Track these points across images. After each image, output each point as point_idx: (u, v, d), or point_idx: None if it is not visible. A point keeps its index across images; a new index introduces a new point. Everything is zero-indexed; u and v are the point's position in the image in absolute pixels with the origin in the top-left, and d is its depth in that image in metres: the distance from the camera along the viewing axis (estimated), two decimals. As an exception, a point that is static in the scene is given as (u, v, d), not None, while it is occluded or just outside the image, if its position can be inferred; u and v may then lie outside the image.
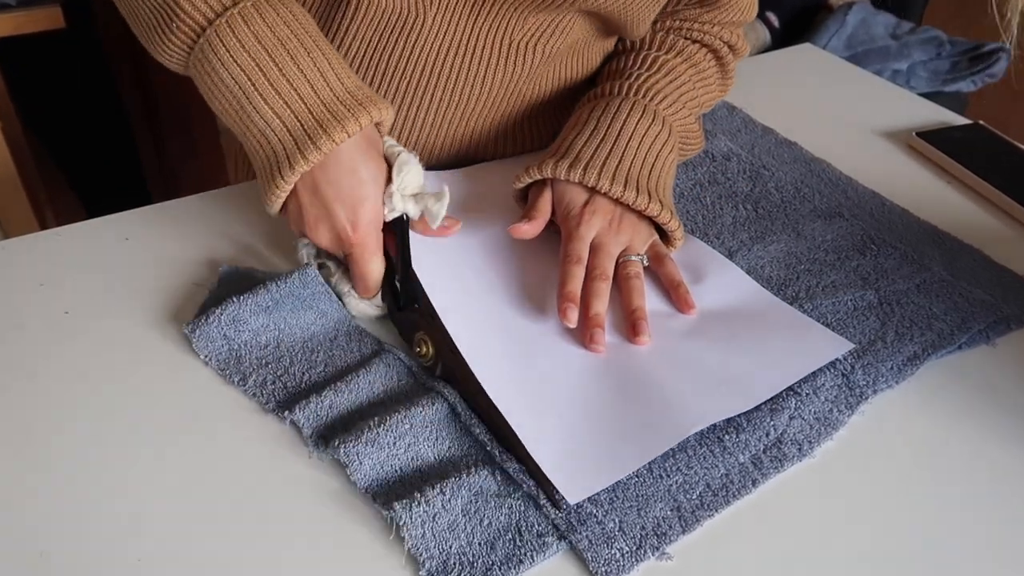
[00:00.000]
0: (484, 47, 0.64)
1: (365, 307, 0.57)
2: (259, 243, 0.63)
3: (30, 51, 1.42)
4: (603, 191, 0.59)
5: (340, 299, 0.57)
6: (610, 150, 0.61)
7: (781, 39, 1.61)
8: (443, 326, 0.52)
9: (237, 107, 0.52)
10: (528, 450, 0.46)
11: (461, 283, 0.57)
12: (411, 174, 0.55)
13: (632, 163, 0.61)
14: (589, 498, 0.45)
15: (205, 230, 0.64)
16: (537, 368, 0.53)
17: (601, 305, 0.56)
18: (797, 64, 0.98)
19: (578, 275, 0.57)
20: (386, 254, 0.56)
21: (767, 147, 0.78)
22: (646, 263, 0.61)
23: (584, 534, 0.44)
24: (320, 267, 0.58)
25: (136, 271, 0.60)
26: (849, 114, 0.86)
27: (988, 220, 0.71)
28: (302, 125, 0.52)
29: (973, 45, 1.56)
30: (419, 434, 0.48)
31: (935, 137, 0.80)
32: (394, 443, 0.47)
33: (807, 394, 0.52)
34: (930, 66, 1.54)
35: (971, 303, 0.60)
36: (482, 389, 0.49)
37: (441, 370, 0.52)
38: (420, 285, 0.55)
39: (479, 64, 0.65)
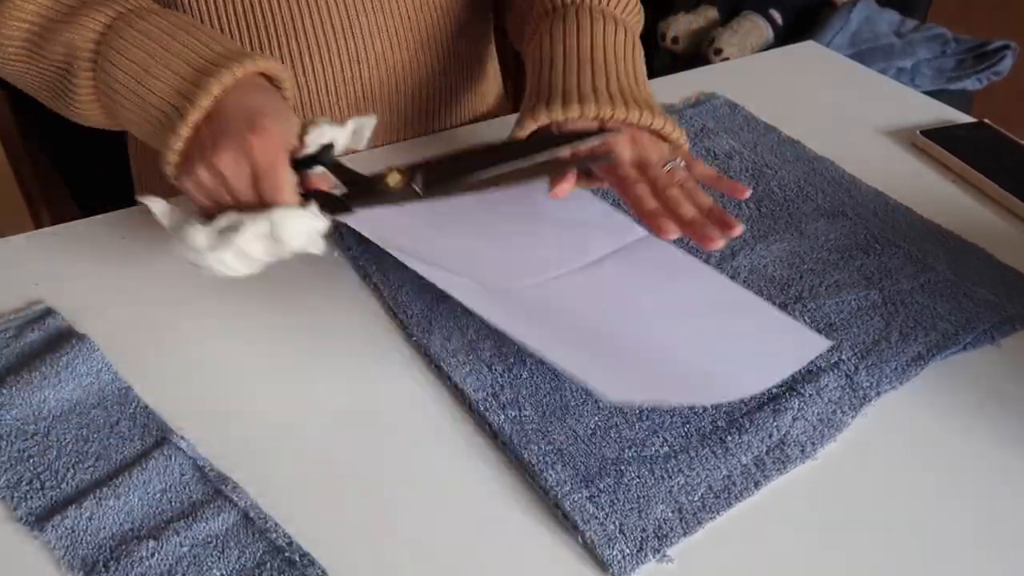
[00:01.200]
0: None
1: (303, 224, 0.49)
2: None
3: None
4: (609, 117, 0.57)
5: (273, 235, 0.49)
6: (592, 72, 0.59)
7: (784, 37, 1.60)
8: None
9: (136, 101, 0.53)
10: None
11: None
12: (322, 118, 0.53)
13: (619, 79, 0.59)
14: (590, 498, 0.45)
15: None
16: (528, 313, 0.51)
17: (689, 208, 0.54)
18: (800, 62, 0.97)
19: (647, 192, 0.55)
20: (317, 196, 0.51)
21: (769, 145, 0.78)
22: (681, 164, 0.59)
23: (586, 535, 0.43)
24: (221, 231, 0.49)
25: (133, 270, 0.59)
26: (853, 112, 0.85)
27: (993, 219, 0.70)
28: (189, 82, 0.52)
29: (978, 43, 1.55)
30: (200, 553, 0.42)
31: (940, 135, 0.79)
32: (169, 570, 0.41)
33: (810, 395, 0.51)
34: (935, 64, 1.53)
35: (976, 303, 0.60)
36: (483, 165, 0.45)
37: (423, 183, 0.45)
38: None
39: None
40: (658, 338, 0.52)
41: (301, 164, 0.52)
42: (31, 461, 0.46)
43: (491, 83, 0.86)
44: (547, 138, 0.44)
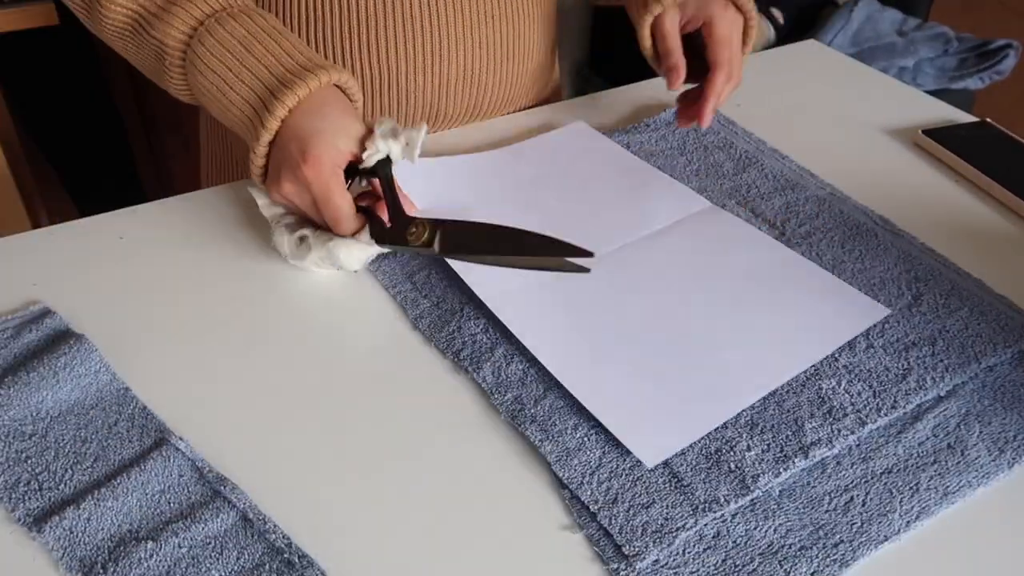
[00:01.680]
0: None
1: (358, 252, 0.56)
2: (255, 241, 0.62)
3: (23, 48, 1.41)
4: None
5: (332, 259, 0.56)
6: None
7: (786, 35, 1.60)
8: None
9: (221, 102, 0.58)
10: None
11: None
12: (387, 120, 0.58)
13: None
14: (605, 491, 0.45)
15: (200, 228, 0.63)
16: (588, 334, 0.54)
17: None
18: (801, 61, 0.96)
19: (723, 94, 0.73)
20: (375, 217, 0.57)
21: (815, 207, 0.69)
22: None
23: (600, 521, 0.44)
24: (300, 241, 0.57)
25: (130, 270, 0.59)
26: (854, 112, 0.85)
27: (994, 218, 0.70)
28: (270, 91, 0.56)
29: (980, 42, 1.55)
30: (199, 554, 0.42)
31: (942, 135, 0.79)
32: (168, 572, 0.41)
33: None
34: (937, 63, 1.53)
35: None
36: (494, 250, 0.54)
37: (439, 243, 0.54)
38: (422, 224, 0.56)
39: None
40: (739, 331, 0.55)
41: (362, 173, 0.58)
42: (29, 462, 0.45)
43: (550, 67, 0.88)
44: (555, 244, 0.53)
